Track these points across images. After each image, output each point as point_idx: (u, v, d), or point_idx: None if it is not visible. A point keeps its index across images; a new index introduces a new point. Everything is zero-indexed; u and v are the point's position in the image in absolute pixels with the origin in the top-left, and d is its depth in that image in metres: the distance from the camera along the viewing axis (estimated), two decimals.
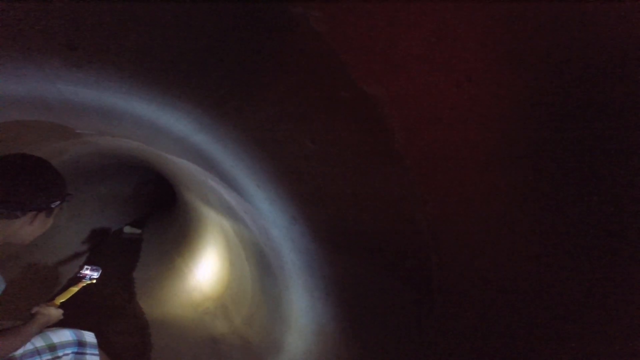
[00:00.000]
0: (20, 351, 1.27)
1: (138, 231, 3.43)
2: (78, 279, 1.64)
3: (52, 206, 1.19)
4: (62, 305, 1.47)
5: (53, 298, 1.49)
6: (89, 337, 1.49)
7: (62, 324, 1.44)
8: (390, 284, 0.96)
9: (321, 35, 0.56)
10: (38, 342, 1.35)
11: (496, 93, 0.53)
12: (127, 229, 4.05)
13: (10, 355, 1.25)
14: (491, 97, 0.53)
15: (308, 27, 0.56)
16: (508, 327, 0.67)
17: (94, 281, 1.66)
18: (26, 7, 0.69)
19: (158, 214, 5.06)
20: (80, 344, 1.45)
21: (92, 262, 1.59)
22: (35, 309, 1.39)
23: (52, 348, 1.37)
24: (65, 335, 1.42)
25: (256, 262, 1.96)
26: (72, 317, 1.51)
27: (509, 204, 0.60)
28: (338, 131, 0.73)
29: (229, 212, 1.97)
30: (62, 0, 0.67)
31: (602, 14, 0.41)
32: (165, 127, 1.37)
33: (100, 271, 1.68)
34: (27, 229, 1.16)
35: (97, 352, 1.48)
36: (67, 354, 1.40)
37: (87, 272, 1.66)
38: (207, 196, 2.12)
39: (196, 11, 0.61)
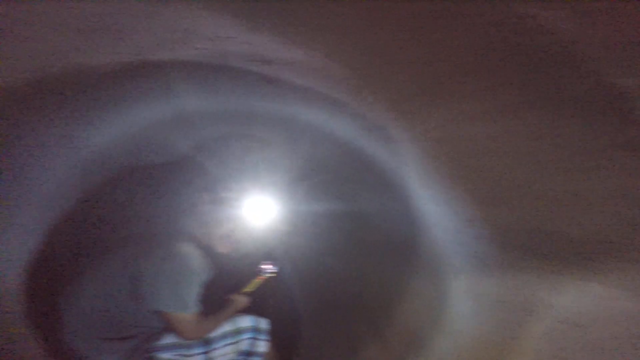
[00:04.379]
0: (214, 333, 1.45)
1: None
2: (260, 271, 1.84)
3: (212, 195, 1.39)
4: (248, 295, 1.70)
5: (241, 288, 1.73)
6: (264, 324, 1.61)
7: (245, 311, 1.64)
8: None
9: (557, 30, 0.47)
10: (228, 326, 1.51)
11: None
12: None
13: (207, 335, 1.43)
14: None
15: (540, 23, 0.48)
16: None
17: (274, 274, 1.85)
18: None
19: None
20: (257, 330, 1.58)
21: (272, 258, 1.78)
22: (230, 296, 1.63)
23: (237, 332, 1.52)
24: (247, 321, 1.57)
25: (404, 262, 1.89)
26: None
27: None
28: (560, 127, 0.61)
29: (379, 213, 1.96)
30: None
31: None
32: (332, 132, 1.44)
33: (279, 266, 1.86)
34: (203, 208, 1.38)
35: (267, 338, 1.60)
36: (246, 339, 1.54)
37: (268, 266, 1.84)
38: (357, 196, 2.15)
39: None
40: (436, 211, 1.27)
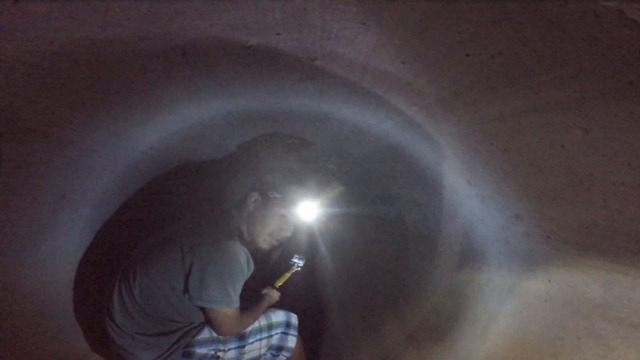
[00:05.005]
0: (250, 328, 1.47)
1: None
2: (289, 266, 1.88)
3: (270, 196, 1.42)
4: (279, 289, 1.72)
5: (273, 282, 1.75)
6: (294, 319, 1.64)
7: (276, 305, 1.66)
8: None
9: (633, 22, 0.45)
10: (262, 321, 1.54)
11: None
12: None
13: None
14: None
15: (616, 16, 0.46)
16: None
17: (300, 269, 1.87)
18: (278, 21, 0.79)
19: None
20: (288, 324, 1.60)
21: (300, 252, 1.80)
22: (264, 291, 1.65)
23: (270, 327, 1.55)
24: (280, 315, 1.60)
25: (439, 259, 1.86)
26: None
27: None
28: (631, 119, 0.58)
29: (414, 209, 1.94)
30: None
31: None
32: (366, 128, 1.43)
33: (305, 260, 1.89)
34: (252, 207, 1.41)
35: (296, 333, 1.61)
36: (278, 333, 1.56)
37: (296, 260, 1.89)
38: (391, 192, 2.13)
39: None
40: (480, 208, 1.24)
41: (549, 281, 1.12)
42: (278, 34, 0.85)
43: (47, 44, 0.74)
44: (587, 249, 0.92)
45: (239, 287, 1.27)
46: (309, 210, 1.96)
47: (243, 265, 1.24)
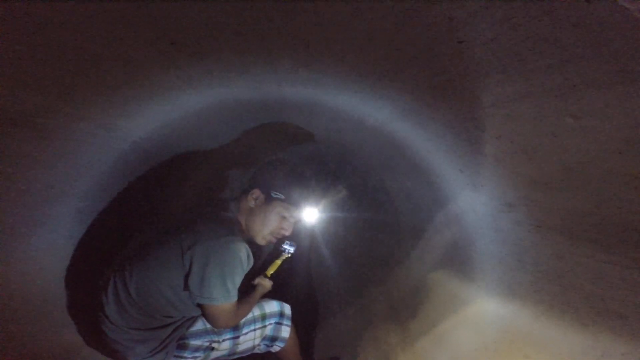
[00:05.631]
0: (244, 318, 1.47)
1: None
2: (280, 252, 1.85)
3: (273, 195, 1.40)
4: (271, 277, 1.71)
5: (264, 270, 1.74)
6: (287, 309, 1.63)
7: (268, 295, 1.65)
8: None
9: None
10: (255, 311, 1.53)
11: None
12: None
13: None
14: None
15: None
16: None
17: (291, 255, 1.85)
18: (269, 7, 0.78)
19: None
20: (281, 314, 1.60)
21: (290, 238, 1.78)
22: (257, 280, 1.64)
23: (263, 317, 1.54)
24: (273, 306, 1.59)
25: (431, 250, 1.87)
26: None
27: None
28: (628, 108, 0.58)
29: (407, 198, 1.94)
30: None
31: None
32: (361, 118, 1.43)
33: (296, 246, 1.87)
34: (253, 203, 1.40)
35: (290, 323, 1.61)
36: (271, 324, 1.56)
37: (287, 246, 1.85)
38: (384, 183, 2.14)
39: None
40: (471, 196, 1.24)
41: (539, 272, 1.12)
42: (270, 20, 0.84)
43: (31, 34, 0.72)
44: (578, 239, 0.93)
45: (238, 281, 1.26)
46: (311, 214, 1.95)
47: (243, 261, 1.23)
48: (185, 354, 1.36)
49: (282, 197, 1.40)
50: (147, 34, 0.84)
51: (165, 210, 1.89)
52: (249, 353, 1.55)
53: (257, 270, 1.73)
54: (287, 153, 2.24)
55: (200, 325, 1.39)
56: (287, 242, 1.86)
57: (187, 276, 1.20)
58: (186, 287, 1.21)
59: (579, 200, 0.84)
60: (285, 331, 1.58)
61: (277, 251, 1.88)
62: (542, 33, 0.55)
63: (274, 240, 1.46)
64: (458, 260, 1.62)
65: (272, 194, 1.40)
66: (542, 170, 0.86)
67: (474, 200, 1.27)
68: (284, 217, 1.43)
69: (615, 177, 0.70)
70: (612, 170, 0.71)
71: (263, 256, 2.78)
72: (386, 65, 0.94)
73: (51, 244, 1.35)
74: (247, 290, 1.54)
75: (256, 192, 1.41)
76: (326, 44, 0.93)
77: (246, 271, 1.28)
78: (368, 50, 0.89)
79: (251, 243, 1.40)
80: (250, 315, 1.50)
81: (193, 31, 0.88)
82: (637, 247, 0.80)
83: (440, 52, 0.74)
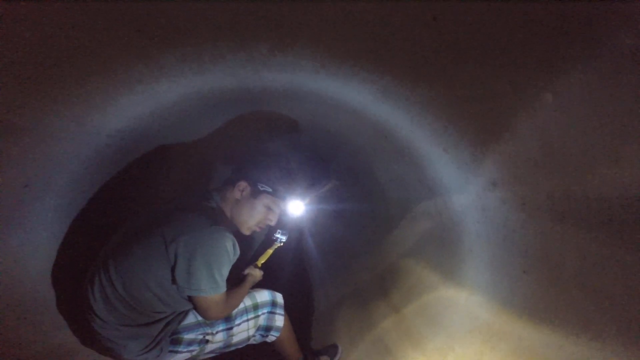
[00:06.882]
0: (235, 309, 1.46)
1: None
2: (271, 241, 1.84)
3: (260, 188, 1.38)
4: (262, 267, 1.70)
5: (255, 260, 1.73)
6: (279, 298, 1.63)
7: (260, 284, 1.64)
8: None
9: None
10: (247, 301, 1.53)
11: None
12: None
13: None
14: None
15: None
16: None
17: (282, 244, 1.84)
18: None
19: None
20: (274, 304, 1.60)
21: (282, 227, 1.77)
22: (247, 271, 1.63)
23: (256, 307, 1.54)
24: (265, 295, 1.59)
25: (421, 232, 1.87)
26: None
27: None
28: (604, 83, 0.56)
29: (395, 181, 1.93)
30: None
31: None
32: (343, 101, 1.40)
33: (288, 235, 1.85)
34: (239, 195, 1.38)
35: (283, 312, 1.61)
36: (264, 313, 1.56)
37: (279, 235, 1.84)
38: (372, 166, 2.12)
39: None
40: (457, 175, 1.23)
41: (526, 251, 1.13)
42: (239, 4, 0.80)
43: None
44: (562, 218, 0.92)
45: (225, 272, 1.24)
46: (297, 206, 1.93)
47: (229, 251, 1.21)
48: (180, 348, 1.36)
49: (270, 190, 1.40)
50: (108, 23, 0.80)
51: (148, 203, 1.85)
52: (244, 344, 1.55)
53: (249, 260, 1.72)
54: (273, 143, 2.20)
55: (192, 318, 1.38)
56: (279, 230, 1.85)
57: (173, 269, 1.18)
58: (174, 280, 1.19)
59: (562, 178, 0.83)
60: (279, 320, 1.58)
61: (269, 240, 1.87)
62: (516, 7, 0.52)
63: (259, 229, 1.45)
64: (448, 240, 1.62)
65: (259, 187, 1.39)
66: (524, 148, 0.85)
67: (459, 180, 1.26)
68: (270, 209, 1.42)
69: (594, 153, 0.69)
70: (591, 146, 0.70)
71: (255, 246, 2.78)
72: (362, 46, 0.91)
73: (33, 244, 1.32)
74: (237, 281, 1.53)
75: (242, 184, 1.40)
76: (300, 27, 0.90)
77: (233, 261, 1.26)
78: (342, 31, 0.86)
79: (237, 233, 1.38)
80: (242, 306, 1.49)
81: (159, 18, 0.84)
82: (621, 225, 0.79)
83: (414, 30, 0.71)
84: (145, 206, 1.83)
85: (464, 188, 1.25)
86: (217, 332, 1.41)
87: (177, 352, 1.36)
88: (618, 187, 0.72)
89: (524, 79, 0.67)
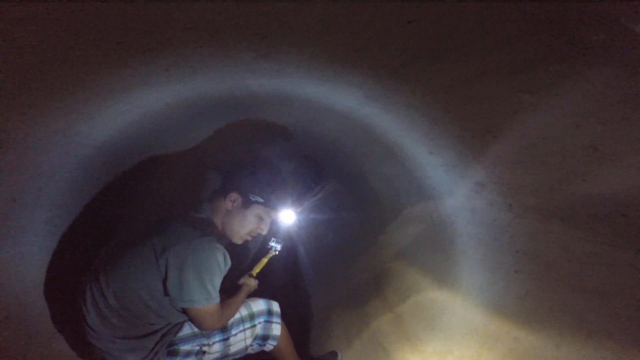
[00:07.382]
0: (231, 319, 1.45)
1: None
2: (266, 250, 1.84)
3: (251, 199, 1.37)
4: (257, 276, 1.69)
5: (249, 269, 1.72)
6: (275, 306, 1.62)
7: (255, 294, 1.63)
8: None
9: None
10: (243, 311, 1.51)
11: None
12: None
13: None
14: None
15: None
16: None
17: (277, 252, 1.84)
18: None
19: None
20: (270, 312, 1.58)
21: (276, 235, 1.76)
22: (242, 280, 1.62)
23: (252, 316, 1.53)
24: (260, 304, 1.57)
25: (414, 235, 1.87)
26: None
27: None
28: (579, 81, 0.57)
29: (386, 184, 1.93)
30: None
31: None
32: (331, 105, 1.40)
33: (283, 243, 1.85)
34: (230, 206, 1.37)
35: (280, 321, 1.60)
36: (261, 322, 1.55)
37: (273, 244, 1.84)
38: (363, 170, 2.12)
39: None
40: (445, 178, 1.23)
41: (517, 251, 1.13)
42: (219, 13, 0.80)
43: None
44: (549, 216, 0.92)
45: (217, 282, 1.23)
46: (289, 215, 1.93)
47: (220, 262, 1.21)
48: None
49: (261, 200, 1.38)
50: (88, 35, 0.80)
51: (139, 214, 1.84)
52: (242, 354, 1.53)
53: (244, 269, 1.71)
54: (264, 151, 2.20)
55: (188, 329, 1.37)
56: (273, 239, 1.85)
57: (164, 281, 1.17)
58: (166, 292, 1.18)
59: (545, 177, 0.83)
60: (276, 329, 1.56)
61: (263, 249, 1.86)
62: (489, 8, 0.53)
63: (250, 238, 1.44)
64: (441, 242, 1.62)
65: (251, 197, 1.37)
66: (508, 148, 0.86)
67: (448, 182, 1.27)
68: (261, 219, 1.41)
69: (574, 150, 0.69)
70: (571, 144, 0.70)
71: (249, 255, 2.77)
72: (345, 51, 0.91)
73: (22, 257, 1.31)
74: (232, 291, 1.52)
75: (234, 195, 1.38)
76: (282, 33, 0.90)
77: (224, 273, 1.25)
78: (324, 37, 0.86)
79: (229, 243, 1.37)
80: (237, 316, 1.48)
81: (139, 30, 0.84)
82: (604, 222, 0.79)
83: (392, 33, 0.72)
84: (135, 217, 1.82)
85: (453, 190, 1.25)
86: (213, 343, 1.40)
87: None
88: (600, 185, 0.72)
89: (502, 79, 0.67)
